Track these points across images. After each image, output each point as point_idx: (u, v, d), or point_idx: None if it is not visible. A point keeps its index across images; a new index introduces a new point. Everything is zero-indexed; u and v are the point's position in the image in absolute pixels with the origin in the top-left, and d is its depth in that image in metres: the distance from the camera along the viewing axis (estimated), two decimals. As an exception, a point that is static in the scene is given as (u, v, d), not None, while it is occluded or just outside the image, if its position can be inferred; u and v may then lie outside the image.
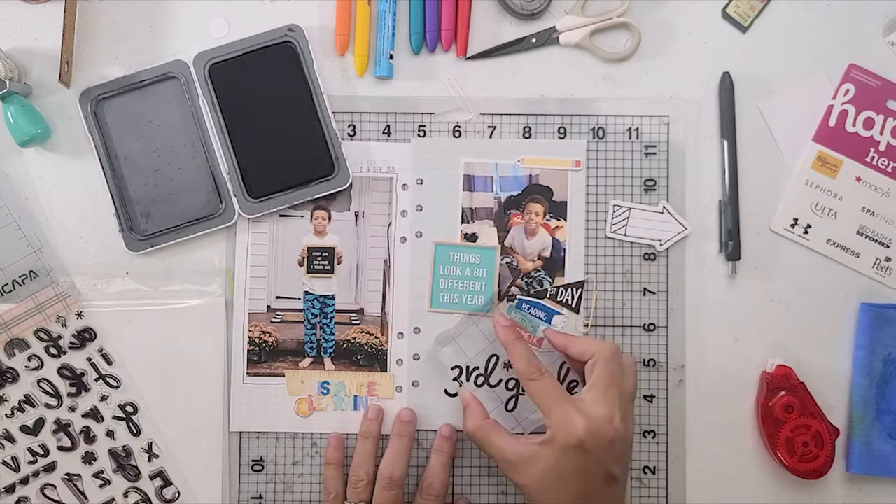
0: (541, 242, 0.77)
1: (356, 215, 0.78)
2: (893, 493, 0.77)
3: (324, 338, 0.77)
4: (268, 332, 0.77)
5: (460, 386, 0.76)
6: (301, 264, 0.77)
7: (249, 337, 0.77)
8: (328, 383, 0.77)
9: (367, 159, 0.77)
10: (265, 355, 0.77)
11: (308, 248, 0.77)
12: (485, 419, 0.72)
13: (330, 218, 0.77)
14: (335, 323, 0.77)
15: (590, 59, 0.78)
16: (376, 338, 0.77)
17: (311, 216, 0.77)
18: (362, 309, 0.77)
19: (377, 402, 0.77)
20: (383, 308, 0.77)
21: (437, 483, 0.74)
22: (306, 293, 0.78)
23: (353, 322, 0.77)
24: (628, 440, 0.69)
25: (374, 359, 0.77)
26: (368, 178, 0.78)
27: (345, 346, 0.77)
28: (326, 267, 0.77)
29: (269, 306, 0.77)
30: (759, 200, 0.77)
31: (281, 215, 0.77)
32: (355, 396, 0.77)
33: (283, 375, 0.77)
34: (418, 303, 0.77)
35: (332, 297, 0.77)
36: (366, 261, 0.78)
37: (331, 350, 0.77)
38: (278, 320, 0.77)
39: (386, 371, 0.77)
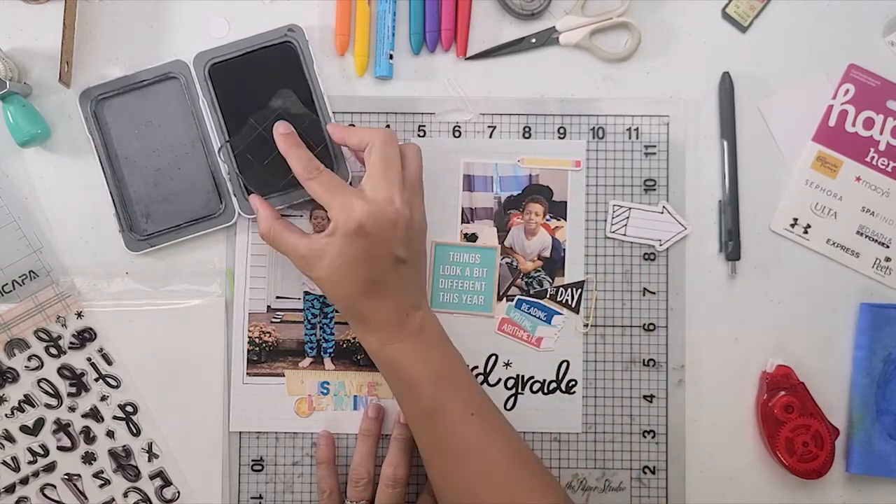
0: (541, 242, 0.77)
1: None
2: (893, 493, 0.77)
3: (324, 338, 0.77)
4: (268, 332, 0.77)
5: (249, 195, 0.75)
6: None
7: (249, 337, 0.77)
8: (328, 383, 0.77)
9: (367, 159, 0.77)
10: (265, 355, 0.77)
11: None
12: (276, 220, 0.72)
13: (329, 218, 0.77)
14: (335, 323, 0.77)
15: (590, 59, 0.78)
16: None
17: (311, 216, 0.77)
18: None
19: (377, 402, 0.77)
20: (383, 308, 0.77)
21: (401, 470, 0.74)
22: (306, 293, 0.78)
23: None
24: (415, 223, 0.70)
25: None
26: (368, 178, 0.77)
27: (345, 346, 0.77)
28: (326, 267, 0.77)
29: (269, 306, 0.77)
30: (759, 200, 0.77)
31: (281, 215, 0.77)
32: (355, 396, 0.77)
33: (283, 375, 0.77)
34: (418, 303, 0.77)
35: None
36: (366, 261, 0.77)
37: (331, 350, 0.77)
38: (278, 320, 0.77)
39: None
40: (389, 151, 0.69)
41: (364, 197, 0.68)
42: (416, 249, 0.71)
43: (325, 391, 0.77)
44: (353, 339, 0.77)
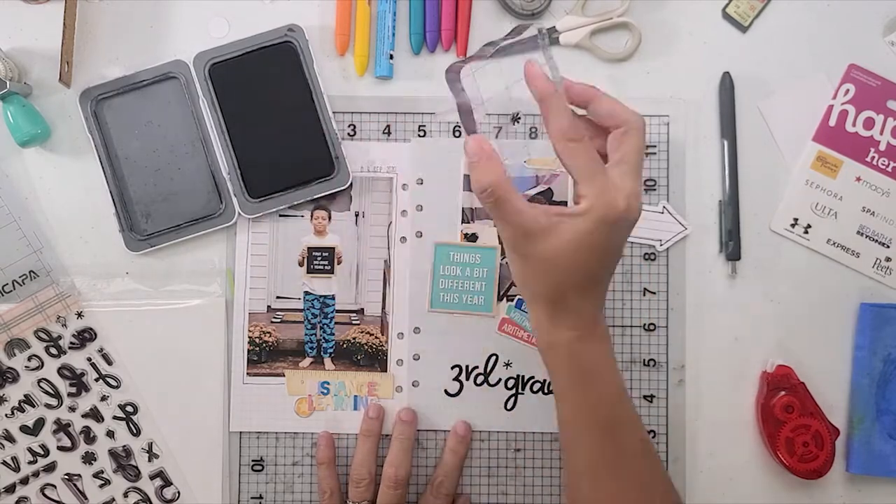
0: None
1: (356, 215, 0.78)
2: (893, 493, 0.77)
3: (324, 338, 0.77)
4: (268, 332, 0.77)
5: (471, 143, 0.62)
6: (301, 264, 0.77)
7: (249, 337, 0.77)
8: (328, 383, 0.77)
9: (367, 159, 0.77)
10: (265, 355, 0.77)
11: (308, 248, 0.77)
12: (505, 174, 0.60)
13: (330, 218, 0.77)
14: (335, 323, 0.77)
15: (590, 59, 0.78)
16: (376, 338, 0.77)
17: (312, 216, 0.77)
18: (362, 309, 0.77)
19: (377, 402, 0.77)
20: (383, 308, 0.77)
21: (449, 482, 0.74)
22: (306, 293, 0.78)
23: (354, 322, 0.77)
24: (637, 221, 0.62)
25: (374, 359, 0.77)
26: (368, 178, 0.78)
27: (345, 346, 0.77)
28: (326, 267, 0.77)
29: (269, 306, 0.77)
30: (759, 200, 0.77)
31: (281, 215, 0.77)
32: (355, 396, 0.77)
33: (284, 375, 0.77)
34: (419, 303, 0.77)
35: (332, 297, 0.77)
36: (366, 261, 0.78)
37: (331, 350, 0.77)
38: (278, 320, 0.77)
39: (386, 371, 0.77)
40: (644, 142, 0.61)
41: (625, 187, 0.59)
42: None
43: (326, 391, 0.77)
44: (354, 338, 0.77)
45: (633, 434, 0.63)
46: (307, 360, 0.77)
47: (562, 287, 0.61)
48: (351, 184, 0.76)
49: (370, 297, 0.78)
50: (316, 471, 0.76)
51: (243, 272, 0.77)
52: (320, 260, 0.77)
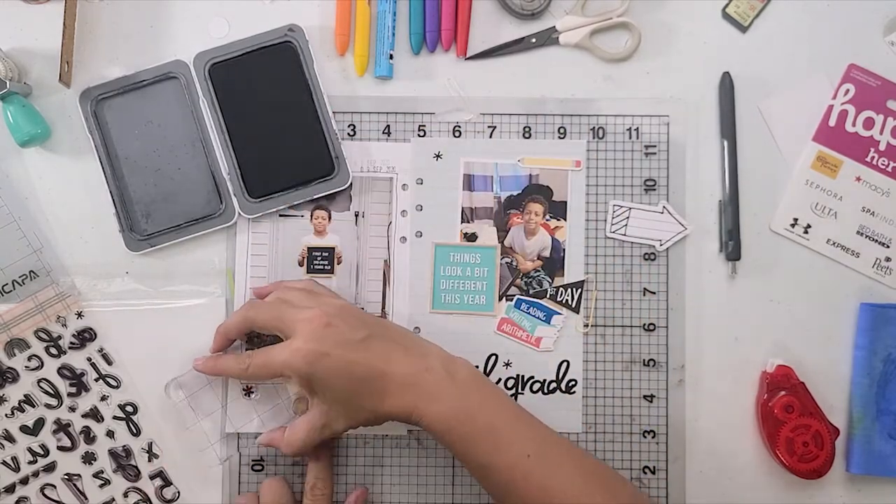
0: (540, 242, 0.77)
1: (356, 215, 0.78)
2: (893, 493, 0.77)
3: None
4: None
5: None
6: (301, 264, 0.77)
7: (248, 336, 0.77)
8: None
9: (367, 159, 0.77)
10: None
11: (308, 248, 0.77)
12: (275, 430, 0.73)
13: (330, 218, 0.77)
14: None
15: (590, 59, 0.78)
16: None
17: (311, 216, 0.77)
18: (362, 309, 0.77)
19: None
20: (383, 308, 0.77)
21: (322, 483, 0.73)
22: None
23: None
24: (339, 310, 0.69)
25: None
26: (368, 178, 0.78)
27: None
28: (326, 267, 0.77)
29: None
30: (759, 200, 0.77)
31: (281, 215, 0.77)
32: None
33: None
34: (419, 303, 0.77)
35: None
36: (366, 261, 0.78)
37: None
38: None
39: None
40: (261, 309, 0.71)
41: (293, 339, 0.67)
42: (365, 321, 0.70)
43: (325, 391, 0.77)
44: None
45: (515, 459, 0.66)
46: None
47: (371, 410, 0.67)
48: (351, 184, 0.76)
49: (370, 296, 0.78)
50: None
51: (243, 272, 0.77)
52: (320, 260, 0.77)
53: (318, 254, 0.77)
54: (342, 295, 0.77)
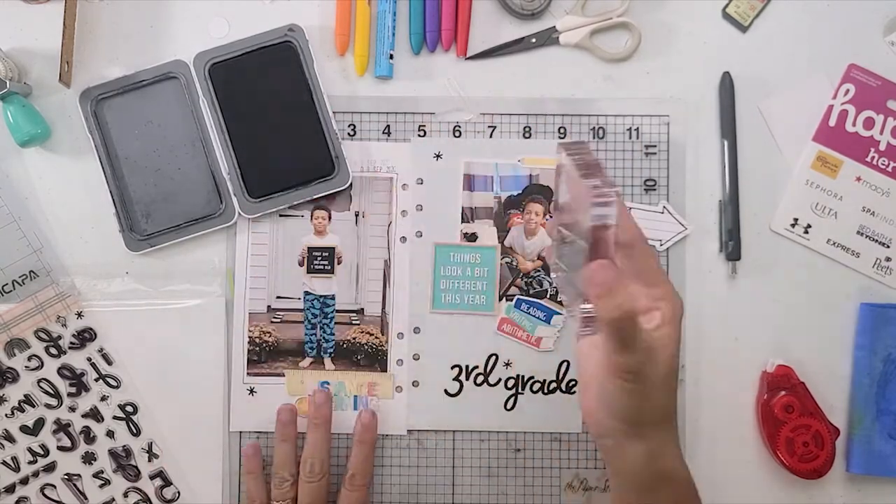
0: (540, 242, 0.77)
1: (356, 215, 0.78)
2: (893, 493, 0.77)
3: (324, 338, 0.77)
4: (268, 332, 0.77)
5: None
6: (301, 264, 0.77)
7: (250, 337, 0.77)
8: (328, 383, 0.77)
9: (367, 159, 0.77)
10: (265, 355, 0.77)
11: (308, 247, 0.77)
12: (634, 303, 0.55)
13: (330, 218, 0.77)
14: (335, 323, 0.77)
15: (590, 59, 0.78)
16: (376, 338, 0.77)
17: (312, 216, 0.77)
18: (362, 309, 0.77)
19: (377, 402, 0.77)
20: (383, 308, 0.77)
21: (360, 474, 0.74)
22: (306, 293, 0.78)
23: (354, 322, 0.77)
24: None
25: (375, 359, 0.77)
26: (368, 178, 0.78)
27: (345, 346, 0.77)
28: (327, 267, 0.77)
29: (269, 306, 0.77)
30: (759, 200, 0.77)
31: (281, 215, 0.77)
32: (355, 396, 0.77)
33: (283, 375, 0.77)
34: (419, 303, 0.77)
35: (333, 297, 0.78)
36: (366, 261, 0.78)
37: (331, 350, 0.77)
38: (278, 320, 0.77)
39: (386, 371, 0.77)
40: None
41: (669, 284, 0.60)
42: None
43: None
44: (354, 338, 0.77)
45: None
46: (307, 360, 0.77)
47: (670, 405, 0.59)
48: (351, 184, 0.76)
49: (370, 297, 0.78)
50: (244, 480, 0.76)
51: (243, 272, 0.77)
52: (320, 260, 0.77)
53: (319, 254, 0.77)
54: (342, 296, 0.77)
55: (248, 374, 0.77)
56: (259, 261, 0.77)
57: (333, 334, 0.77)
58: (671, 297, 0.59)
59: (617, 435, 0.59)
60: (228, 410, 0.77)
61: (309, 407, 0.76)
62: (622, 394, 0.57)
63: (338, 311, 0.77)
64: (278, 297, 0.77)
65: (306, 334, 0.77)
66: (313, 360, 0.77)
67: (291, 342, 0.77)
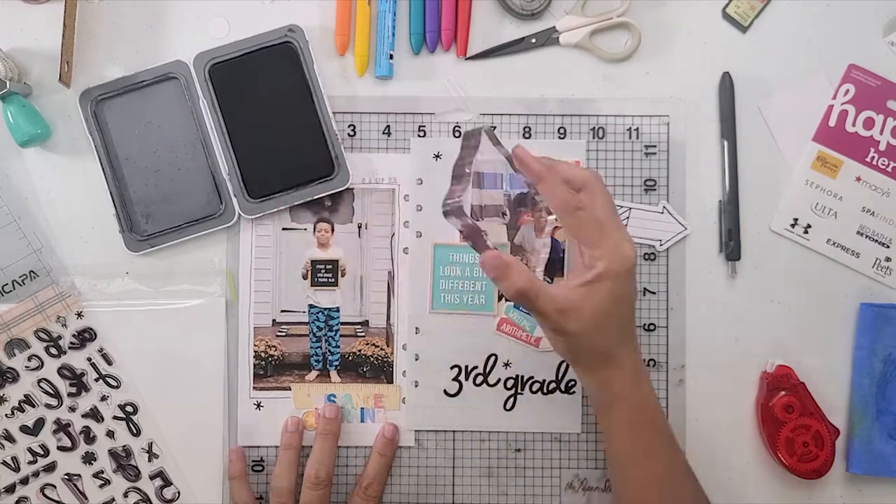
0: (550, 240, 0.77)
1: (359, 227, 0.77)
2: (893, 493, 0.77)
3: (329, 350, 0.77)
4: (273, 346, 0.77)
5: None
6: (305, 277, 0.77)
7: (255, 351, 0.77)
8: (335, 396, 0.77)
9: (368, 170, 0.77)
10: (271, 369, 0.77)
11: (312, 261, 0.77)
12: (530, 275, 0.63)
13: (333, 230, 0.77)
14: (340, 335, 0.77)
15: (590, 59, 0.78)
16: (382, 349, 0.77)
17: (314, 229, 0.77)
18: (367, 321, 0.77)
19: (384, 413, 0.77)
20: (388, 319, 0.77)
21: (377, 484, 0.75)
22: (311, 306, 0.77)
23: (359, 334, 0.77)
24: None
25: (380, 370, 0.77)
26: (370, 190, 0.77)
27: (350, 358, 0.77)
28: (330, 279, 0.77)
29: (274, 320, 0.77)
30: (759, 200, 0.77)
31: (284, 228, 0.77)
32: (362, 409, 0.77)
33: (290, 389, 0.77)
34: (419, 303, 0.77)
35: (337, 310, 0.77)
36: (369, 273, 0.77)
37: (336, 363, 0.77)
38: (283, 334, 0.77)
39: (392, 382, 0.77)
40: (606, 192, 0.65)
41: (622, 237, 0.64)
42: None
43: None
44: (359, 350, 0.77)
45: (679, 453, 0.69)
46: (313, 374, 0.77)
47: (609, 347, 0.65)
48: (354, 195, 0.76)
49: (374, 308, 0.77)
50: (229, 485, 0.76)
51: (247, 286, 0.77)
52: (324, 273, 0.77)
53: (322, 266, 0.77)
54: (346, 308, 0.77)
55: (254, 388, 0.77)
56: (263, 275, 0.77)
57: (339, 347, 0.77)
58: (609, 254, 0.63)
59: (581, 373, 0.68)
60: (228, 411, 0.76)
61: (318, 419, 0.76)
62: (555, 342, 0.67)
63: (342, 324, 0.77)
64: (283, 311, 0.77)
65: (312, 347, 0.77)
66: (319, 373, 0.77)
67: (297, 355, 0.77)
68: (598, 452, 0.77)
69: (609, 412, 0.67)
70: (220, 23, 0.77)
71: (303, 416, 0.77)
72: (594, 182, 0.65)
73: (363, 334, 0.77)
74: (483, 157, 0.67)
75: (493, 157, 0.69)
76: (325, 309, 0.77)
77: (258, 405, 0.77)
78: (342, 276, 0.77)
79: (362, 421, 0.77)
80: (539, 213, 0.77)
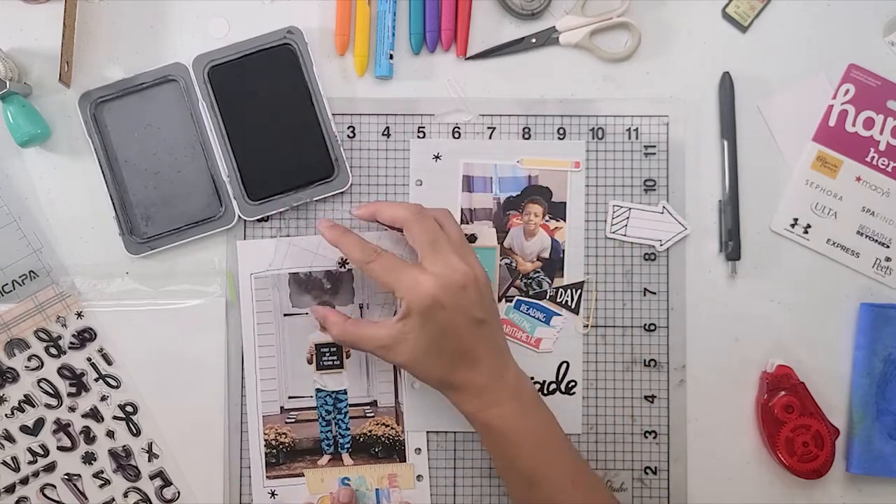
0: (539, 243, 0.77)
1: (360, 308, 0.77)
2: (893, 493, 0.77)
3: (340, 433, 0.77)
4: (283, 434, 0.76)
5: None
6: (310, 362, 0.77)
7: (266, 440, 0.76)
8: (349, 479, 0.76)
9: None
10: (283, 457, 0.76)
11: (316, 344, 0.77)
12: (346, 321, 0.71)
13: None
14: (350, 417, 0.77)
15: (590, 59, 0.78)
16: (392, 428, 0.77)
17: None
18: (375, 401, 0.77)
19: (399, 493, 0.76)
20: (396, 397, 0.77)
21: None
22: (318, 390, 0.77)
23: (368, 415, 0.77)
24: (481, 281, 0.69)
25: (392, 449, 0.77)
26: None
27: (361, 439, 0.77)
28: (336, 362, 0.77)
29: (282, 407, 0.76)
30: (759, 200, 0.77)
31: (285, 314, 0.76)
32: (377, 490, 0.76)
33: (303, 475, 0.76)
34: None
35: (345, 392, 0.77)
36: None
37: (348, 445, 0.77)
38: (293, 420, 0.77)
39: (405, 461, 0.77)
40: (426, 223, 0.69)
41: (427, 271, 0.67)
42: (490, 307, 0.70)
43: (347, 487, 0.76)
44: (370, 431, 0.77)
45: (561, 481, 0.68)
46: (325, 458, 0.77)
47: (440, 376, 0.69)
48: (353, 276, 0.76)
49: (382, 387, 0.77)
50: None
51: (253, 374, 0.76)
52: (329, 355, 0.77)
53: (327, 349, 0.77)
54: (354, 389, 0.77)
55: (267, 477, 0.76)
56: (268, 362, 0.76)
57: (349, 429, 0.77)
58: (409, 292, 0.66)
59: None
60: (229, 411, 0.76)
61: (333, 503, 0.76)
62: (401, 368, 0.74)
63: (351, 405, 0.77)
64: (290, 398, 0.77)
65: (322, 431, 0.77)
66: (331, 457, 0.77)
67: (308, 441, 0.77)
68: (598, 453, 0.77)
69: (484, 436, 0.70)
70: (220, 23, 0.77)
71: (318, 502, 0.76)
72: (409, 220, 0.69)
73: (372, 414, 0.77)
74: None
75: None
76: (333, 392, 0.77)
77: (272, 494, 0.76)
78: (347, 357, 0.77)
79: (378, 502, 0.76)
80: (528, 217, 0.77)
